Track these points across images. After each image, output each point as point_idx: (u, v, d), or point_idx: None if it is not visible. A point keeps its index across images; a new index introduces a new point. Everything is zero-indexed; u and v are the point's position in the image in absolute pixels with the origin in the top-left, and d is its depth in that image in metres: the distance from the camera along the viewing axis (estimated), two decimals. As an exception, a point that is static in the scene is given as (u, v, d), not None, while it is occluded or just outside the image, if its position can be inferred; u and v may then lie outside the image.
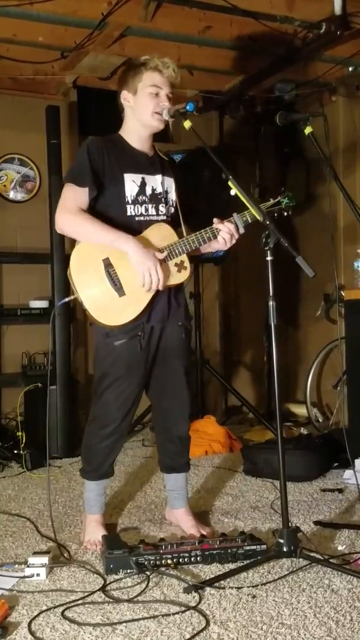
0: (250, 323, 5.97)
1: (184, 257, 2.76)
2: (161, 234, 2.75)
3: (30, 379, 4.73)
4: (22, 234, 5.27)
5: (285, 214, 2.93)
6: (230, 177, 2.60)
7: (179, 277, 2.76)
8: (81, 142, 5.36)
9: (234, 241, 2.80)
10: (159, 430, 3.08)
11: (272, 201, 2.91)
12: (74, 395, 4.80)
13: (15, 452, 4.28)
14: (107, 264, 2.67)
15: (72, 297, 2.76)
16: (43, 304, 5.04)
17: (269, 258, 2.57)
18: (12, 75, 4.98)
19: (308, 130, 2.83)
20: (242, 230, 2.78)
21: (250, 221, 2.77)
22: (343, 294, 4.16)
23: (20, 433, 4.32)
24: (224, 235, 2.77)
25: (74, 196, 2.71)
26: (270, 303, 2.57)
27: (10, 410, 4.96)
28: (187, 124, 2.69)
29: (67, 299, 2.86)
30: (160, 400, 3.00)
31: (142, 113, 2.81)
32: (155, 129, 2.83)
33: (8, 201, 5.27)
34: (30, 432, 4.40)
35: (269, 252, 2.56)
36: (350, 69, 4.96)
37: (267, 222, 2.56)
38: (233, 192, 2.63)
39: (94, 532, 2.89)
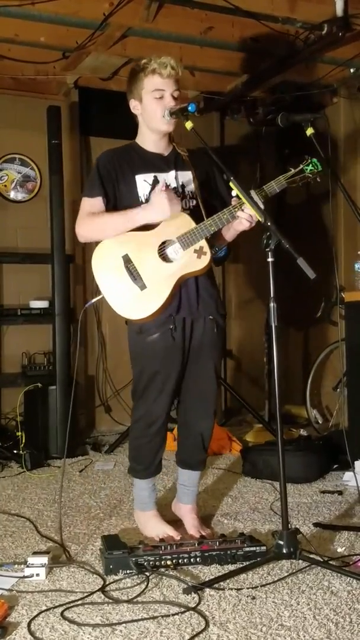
0: (251, 324, 5.96)
1: (203, 243, 2.72)
2: (176, 224, 2.72)
3: (30, 379, 4.74)
4: (23, 234, 5.27)
5: (312, 182, 2.83)
6: (232, 178, 2.60)
7: (199, 262, 2.72)
8: (82, 142, 5.42)
9: (254, 222, 2.72)
10: (181, 424, 3.06)
11: (293, 170, 2.80)
12: (74, 396, 4.79)
13: (15, 452, 4.28)
14: (127, 260, 2.72)
15: (98, 298, 2.80)
16: (43, 304, 5.04)
17: (270, 259, 2.57)
18: (14, 75, 4.98)
19: (310, 131, 2.83)
20: (261, 207, 2.67)
21: (270, 195, 2.71)
22: (343, 295, 4.16)
23: (19, 433, 4.32)
24: (243, 215, 2.69)
25: (88, 206, 2.81)
26: (271, 304, 2.57)
27: (10, 410, 4.96)
28: (188, 124, 2.69)
29: (93, 300, 2.90)
30: (186, 395, 2.97)
31: (151, 119, 2.82)
32: (165, 132, 2.84)
33: (9, 201, 5.27)
34: (30, 432, 4.41)
35: (270, 253, 2.56)
36: (351, 70, 4.97)
37: (269, 224, 2.55)
38: (234, 192, 2.63)
39: (157, 527, 2.92)
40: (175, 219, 2.71)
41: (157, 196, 2.69)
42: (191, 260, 2.72)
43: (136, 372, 2.91)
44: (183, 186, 2.86)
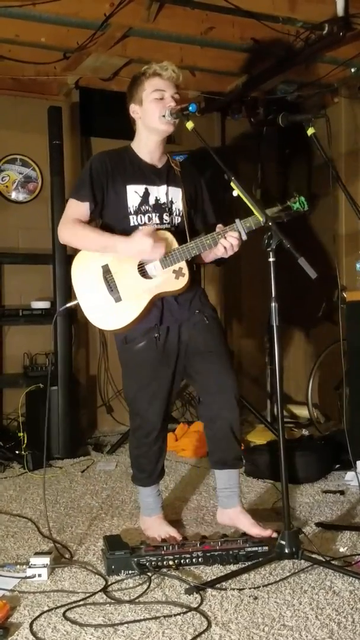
0: (252, 324, 5.96)
1: (183, 264, 2.75)
2: (160, 242, 2.73)
3: (32, 379, 4.74)
4: (24, 234, 5.27)
5: (297, 217, 2.83)
6: (233, 178, 2.60)
7: (176, 283, 2.76)
8: (83, 142, 5.42)
9: (235, 249, 2.75)
10: (207, 423, 2.97)
11: (279, 207, 2.80)
12: (76, 396, 4.80)
13: (17, 452, 4.28)
14: (106, 270, 2.75)
15: (74, 303, 2.83)
16: (45, 304, 5.04)
17: (271, 259, 2.57)
18: (15, 75, 4.98)
19: (310, 131, 2.83)
20: (244, 237, 2.73)
21: (254, 227, 2.72)
22: (345, 295, 4.16)
23: (21, 434, 4.32)
24: (225, 244, 2.72)
25: (74, 210, 2.82)
26: (273, 304, 2.57)
27: (12, 410, 4.96)
28: (189, 124, 2.69)
29: (68, 305, 2.94)
30: (203, 393, 2.95)
31: (150, 119, 2.82)
32: (165, 133, 2.84)
33: (10, 202, 5.27)
34: (32, 433, 4.40)
35: (271, 253, 2.56)
36: (352, 70, 4.96)
37: (270, 224, 2.55)
38: (235, 193, 2.63)
39: (160, 528, 2.92)
40: (159, 238, 2.73)
41: (143, 238, 2.68)
42: (169, 279, 2.75)
43: (126, 380, 2.94)
44: (172, 202, 2.87)
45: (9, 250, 5.18)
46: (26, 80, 5.04)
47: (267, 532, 2.81)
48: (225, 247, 2.73)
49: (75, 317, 5.24)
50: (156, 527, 2.94)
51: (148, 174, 2.85)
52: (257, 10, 4.12)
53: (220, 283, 5.89)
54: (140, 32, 4.36)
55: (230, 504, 2.98)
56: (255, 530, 2.83)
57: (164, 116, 2.77)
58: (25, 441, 4.30)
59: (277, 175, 6.10)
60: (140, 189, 2.82)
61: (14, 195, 5.30)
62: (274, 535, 2.73)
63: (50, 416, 4.54)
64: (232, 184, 2.61)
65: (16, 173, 5.29)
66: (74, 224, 2.79)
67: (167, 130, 2.82)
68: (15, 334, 5.18)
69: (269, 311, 2.58)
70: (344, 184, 3.04)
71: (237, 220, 2.72)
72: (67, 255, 4.77)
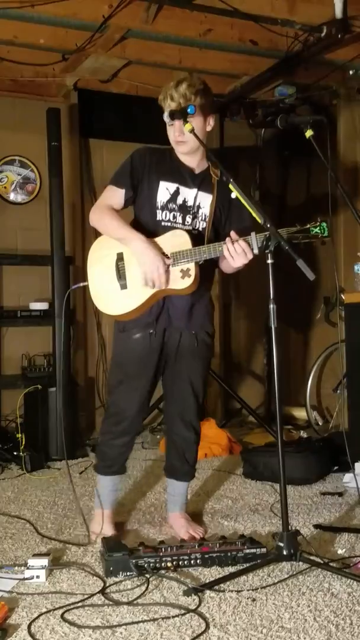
0: (251, 325, 5.97)
1: (192, 266, 2.73)
2: (173, 241, 2.75)
3: (30, 380, 4.73)
4: (23, 235, 5.27)
5: (313, 243, 2.74)
6: (231, 180, 2.60)
7: (180, 283, 2.75)
8: (82, 144, 5.42)
9: (244, 261, 2.67)
10: (166, 432, 3.14)
11: (297, 227, 2.71)
12: (74, 398, 4.79)
13: (15, 453, 4.28)
14: (119, 258, 2.80)
15: (85, 283, 2.87)
16: (43, 305, 5.04)
17: (269, 261, 2.57)
18: (13, 77, 4.99)
19: (309, 133, 2.82)
20: (256, 251, 2.64)
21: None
22: (343, 297, 4.16)
23: (19, 435, 4.32)
24: (229, 247, 2.65)
25: (109, 195, 2.88)
26: (271, 306, 2.56)
27: (10, 412, 4.95)
28: (188, 126, 2.69)
29: (80, 284, 2.95)
30: (167, 403, 3.07)
31: (171, 141, 2.87)
32: (182, 153, 2.86)
33: (8, 203, 5.27)
34: (30, 434, 4.40)
35: (269, 255, 2.56)
36: (350, 72, 4.97)
37: (268, 225, 2.55)
38: (234, 195, 2.62)
39: (100, 525, 2.94)
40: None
41: (157, 262, 2.68)
42: (174, 278, 2.74)
43: (113, 367, 3.00)
44: (198, 207, 2.87)
45: (8, 251, 5.18)
46: (25, 81, 5.05)
47: (195, 535, 2.93)
48: (229, 251, 2.67)
49: (74, 318, 5.25)
50: (98, 522, 2.97)
51: (184, 175, 2.87)
52: (256, 12, 4.12)
53: (219, 284, 5.90)
54: (139, 33, 4.37)
55: (172, 509, 3.12)
56: (181, 532, 2.96)
57: (180, 142, 2.80)
58: (24, 442, 4.29)
59: (276, 177, 6.11)
60: (172, 187, 2.85)
61: (12, 196, 5.29)
62: (200, 535, 2.92)
63: (49, 417, 4.54)
64: (230, 186, 2.61)
65: (15, 174, 5.29)
66: (104, 209, 2.84)
67: (182, 151, 2.85)
68: (14, 335, 5.17)
69: (267, 312, 2.58)
70: (342, 186, 3.04)
71: (252, 233, 2.65)
72: (66, 256, 4.78)
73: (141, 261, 2.72)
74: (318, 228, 2.72)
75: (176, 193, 2.85)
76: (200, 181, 2.89)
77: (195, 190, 2.87)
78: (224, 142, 5.91)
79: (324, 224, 2.72)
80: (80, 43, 4.42)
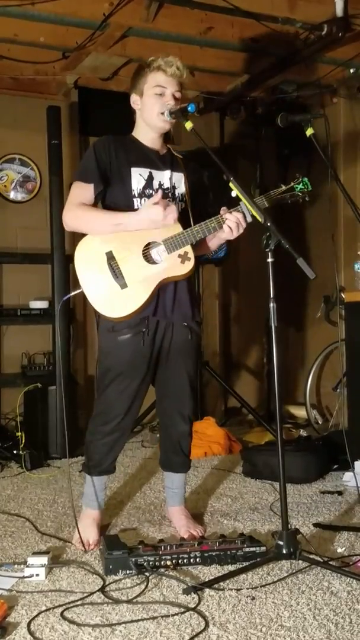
0: (250, 324, 5.96)
1: (188, 249, 2.71)
2: (162, 228, 2.70)
3: (30, 379, 4.73)
4: (23, 234, 5.27)
5: (301, 200, 2.85)
6: (232, 178, 2.60)
7: (182, 268, 2.72)
8: (82, 142, 5.41)
9: (241, 230, 2.74)
10: (161, 427, 3.12)
11: (283, 187, 2.80)
12: (74, 396, 4.79)
13: (15, 452, 4.28)
14: (110, 257, 2.70)
15: (77, 291, 2.78)
16: (43, 304, 5.04)
17: (269, 260, 2.56)
18: (13, 75, 4.98)
19: (309, 131, 2.83)
20: (249, 219, 2.70)
21: (260, 209, 2.65)
22: (343, 295, 4.16)
23: (19, 433, 4.31)
24: (230, 223, 2.70)
25: (78, 193, 2.77)
26: (271, 305, 2.56)
27: (10, 410, 4.96)
28: (188, 124, 2.69)
29: (72, 293, 2.89)
30: (163, 400, 3.01)
31: (149, 115, 2.81)
32: (161, 129, 2.83)
33: (8, 201, 5.27)
34: (30, 433, 4.40)
35: (269, 253, 2.56)
36: (351, 70, 4.97)
37: (269, 224, 2.55)
38: (234, 193, 2.62)
39: (86, 530, 2.88)
40: (166, 203, 2.71)
41: (152, 206, 2.65)
42: (175, 264, 2.72)
43: (101, 369, 2.88)
44: (174, 187, 2.86)
45: (8, 249, 5.18)
46: (25, 79, 5.04)
47: (195, 533, 2.91)
48: (230, 227, 2.70)
49: (73, 316, 5.25)
50: (84, 528, 2.89)
51: (153, 158, 2.84)
52: (257, 10, 4.12)
53: (219, 283, 5.90)
54: (140, 31, 4.36)
55: (172, 503, 3.10)
56: (182, 531, 2.94)
57: (162, 113, 2.76)
58: (23, 441, 4.29)
59: (276, 175, 6.10)
60: (144, 172, 2.80)
61: (12, 194, 5.29)
62: (201, 534, 2.91)
63: (48, 416, 4.54)
64: (231, 184, 2.60)
65: (15, 172, 5.29)
66: (79, 208, 2.74)
67: (162, 127, 2.82)
68: (14, 333, 5.18)
69: (267, 311, 2.58)
70: (342, 184, 3.04)
71: (241, 203, 2.69)
72: (66, 255, 4.78)
73: (149, 223, 2.65)
74: (301, 184, 2.83)
75: (150, 178, 2.80)
76: (169, 161, 2.87)
77: (168, 171, 2.84)
78: (224, 141, 5.91)
79: (305, 179, 2.84)
80: (80, 41, 4.41)
